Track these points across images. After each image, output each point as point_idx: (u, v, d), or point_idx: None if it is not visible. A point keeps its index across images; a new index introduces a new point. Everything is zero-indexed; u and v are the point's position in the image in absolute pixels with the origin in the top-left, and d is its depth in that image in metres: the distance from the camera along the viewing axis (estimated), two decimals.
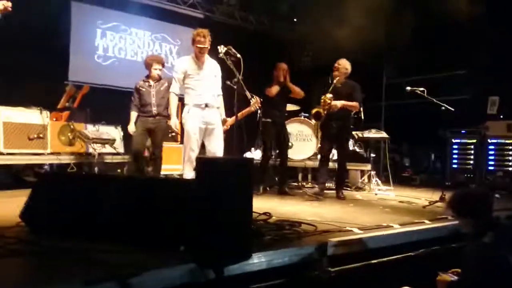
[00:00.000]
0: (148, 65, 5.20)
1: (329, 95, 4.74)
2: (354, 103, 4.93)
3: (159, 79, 5.19)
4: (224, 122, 4.61)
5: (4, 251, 2.12)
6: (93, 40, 7.59)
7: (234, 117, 5.23)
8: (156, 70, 5.16)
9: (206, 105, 4.25)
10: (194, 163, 4.10)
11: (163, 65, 5.30)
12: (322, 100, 4.75)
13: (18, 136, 4.91)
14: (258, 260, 2.20)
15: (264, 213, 3.21)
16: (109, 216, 2.40)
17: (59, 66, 6.91)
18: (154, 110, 5.05)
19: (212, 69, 4.39)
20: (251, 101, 4.99)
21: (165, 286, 1.85)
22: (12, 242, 2.27)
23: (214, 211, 1.90)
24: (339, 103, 4.79)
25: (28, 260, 2.08)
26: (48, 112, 5.30)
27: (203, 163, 1.96)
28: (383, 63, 7.73)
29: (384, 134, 6.34)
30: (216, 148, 4.36)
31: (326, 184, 5.28)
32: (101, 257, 2.00)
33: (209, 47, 4.28)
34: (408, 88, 4.89)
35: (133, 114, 5.09)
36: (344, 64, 4.92)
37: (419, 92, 4.82)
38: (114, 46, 7.96)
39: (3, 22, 4.11)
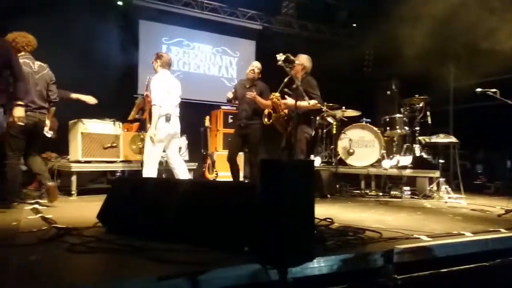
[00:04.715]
0: None
1: (276, 94, 4.74)
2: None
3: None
4: None
5: (84, 248, 2.32)
6: None
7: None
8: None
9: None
10: None
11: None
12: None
13: (94, 145, 5.34)
14: (320, 264, 2.18)
15: (326, 219, 3.18)
16: (178, 217, 2.53)
17: (129, 81, 7.43)
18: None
19: None
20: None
21: (231, 284, 1.91)
22: (91, 240, 2.48)
23: (277, 214, 1.92)
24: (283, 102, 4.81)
25: (105, 257, 2.25)
26: (121, 123, 5.69)
27: (267, 165, 1.99)
28: (450, 64, 7.34)
29: (453, 139, 5.99)
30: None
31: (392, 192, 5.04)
32: (171, 255, 2.11)
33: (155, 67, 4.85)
34: (478, 89, 4.58)
35: None
36: (300, 60, 4.78)
37: (490, 94, 4.51)
38: (178, 61, 8.38)
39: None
